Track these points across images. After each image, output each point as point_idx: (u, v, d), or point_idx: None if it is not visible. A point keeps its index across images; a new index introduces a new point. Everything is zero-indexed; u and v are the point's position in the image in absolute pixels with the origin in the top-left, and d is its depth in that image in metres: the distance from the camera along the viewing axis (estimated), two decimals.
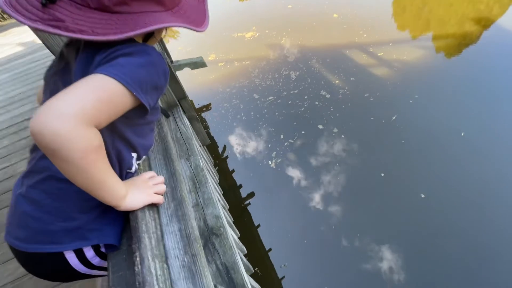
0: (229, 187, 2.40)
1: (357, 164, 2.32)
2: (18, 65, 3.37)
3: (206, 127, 3.00)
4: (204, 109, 3.26)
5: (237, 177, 2.49)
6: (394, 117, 2.60)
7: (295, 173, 2.38)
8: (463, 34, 3.57)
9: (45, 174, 0.54)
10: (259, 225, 2.12)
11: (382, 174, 2.21)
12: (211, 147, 2.75)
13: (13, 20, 5.22)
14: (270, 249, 1.97)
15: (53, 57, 0.84)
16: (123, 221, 0.63)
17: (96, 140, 0.46)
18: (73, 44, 0.59)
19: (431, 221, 1.89)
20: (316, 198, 2.17)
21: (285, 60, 3.69)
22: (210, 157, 2.47)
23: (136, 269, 0.48)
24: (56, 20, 0.45)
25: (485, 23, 3.70)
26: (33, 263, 0.58)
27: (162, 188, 0.65)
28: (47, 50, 2.24)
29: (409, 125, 2.52)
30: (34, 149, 0.60)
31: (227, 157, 2.67)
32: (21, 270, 1.35)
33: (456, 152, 2.25)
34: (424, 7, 4.54)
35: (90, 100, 0.44)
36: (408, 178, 2.17)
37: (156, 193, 0.63)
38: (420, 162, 2.24)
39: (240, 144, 2.74)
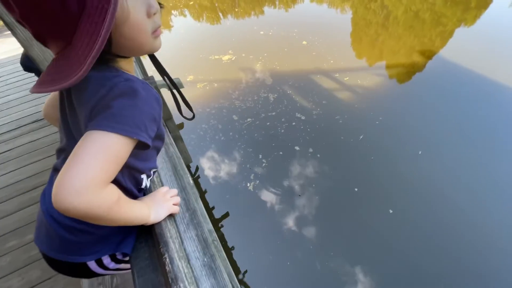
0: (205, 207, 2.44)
1: (332, 181, 2.53)
2: None
3: None
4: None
5: (210, 198, 2.55)
6: (361, 137, 2.90)
7: (270, 193, 2.51)
8: (412, 64, 4.14)
9: None
10: (233, 247, 2.18)
11: (356, 189, 2.43)
12: (187, 166, 2.79)
13: None
14: (246, 271, 2.04)
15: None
16: (136, 233, 0.72)
17: (113, 194, 0.49)
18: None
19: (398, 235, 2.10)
20: (292, 218, 2.30)
21: (263, 83, 3.94)
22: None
23: (167, 268, 0.56)
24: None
25: (429, 54, 4.33)
26: (58, 265, 0.67)
27: (178, 199, 0.74)
28: None
29: (375, 143, 2.84)
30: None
31: (198, 177, 2.75)
32: None
33: (415, 169, 2.56)
34: (378, 37, 5.19)
35: (97, 165, 0.44)
36: (377, 193, 2.41)
37: (173, 204, 0.71)
38: (386, 178, 2.51)
39: (213, 167, 2.83)
